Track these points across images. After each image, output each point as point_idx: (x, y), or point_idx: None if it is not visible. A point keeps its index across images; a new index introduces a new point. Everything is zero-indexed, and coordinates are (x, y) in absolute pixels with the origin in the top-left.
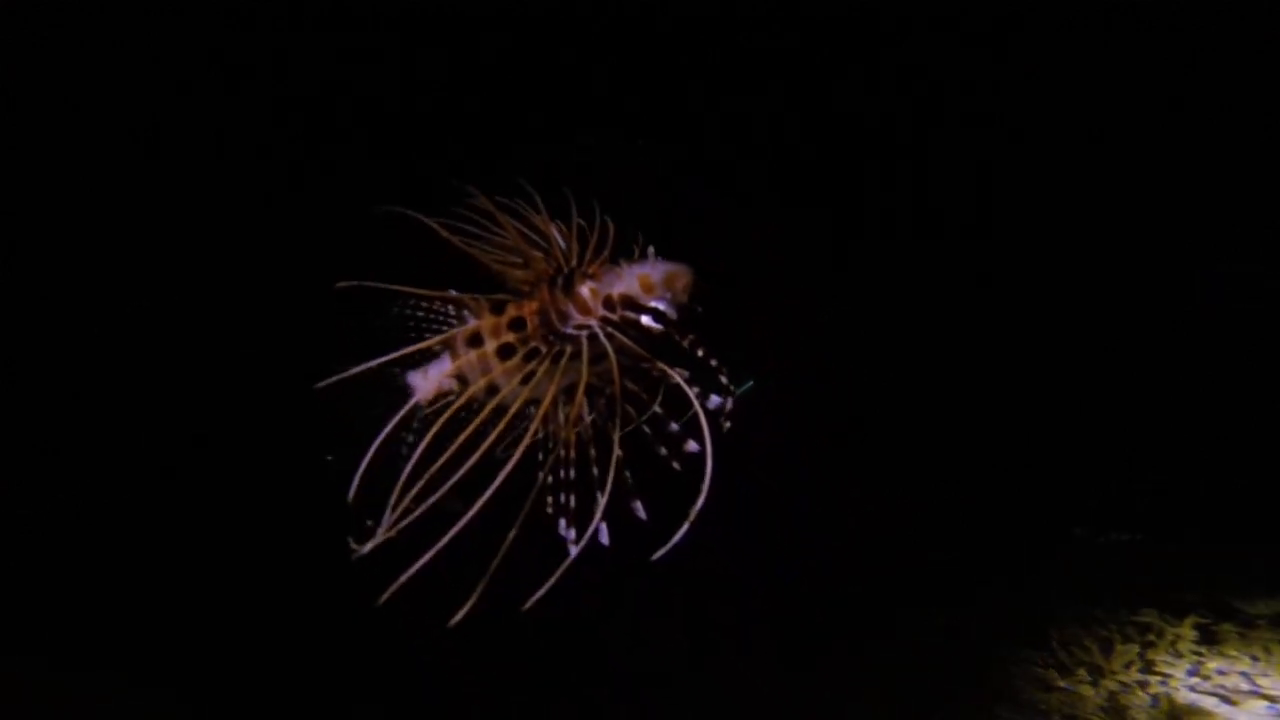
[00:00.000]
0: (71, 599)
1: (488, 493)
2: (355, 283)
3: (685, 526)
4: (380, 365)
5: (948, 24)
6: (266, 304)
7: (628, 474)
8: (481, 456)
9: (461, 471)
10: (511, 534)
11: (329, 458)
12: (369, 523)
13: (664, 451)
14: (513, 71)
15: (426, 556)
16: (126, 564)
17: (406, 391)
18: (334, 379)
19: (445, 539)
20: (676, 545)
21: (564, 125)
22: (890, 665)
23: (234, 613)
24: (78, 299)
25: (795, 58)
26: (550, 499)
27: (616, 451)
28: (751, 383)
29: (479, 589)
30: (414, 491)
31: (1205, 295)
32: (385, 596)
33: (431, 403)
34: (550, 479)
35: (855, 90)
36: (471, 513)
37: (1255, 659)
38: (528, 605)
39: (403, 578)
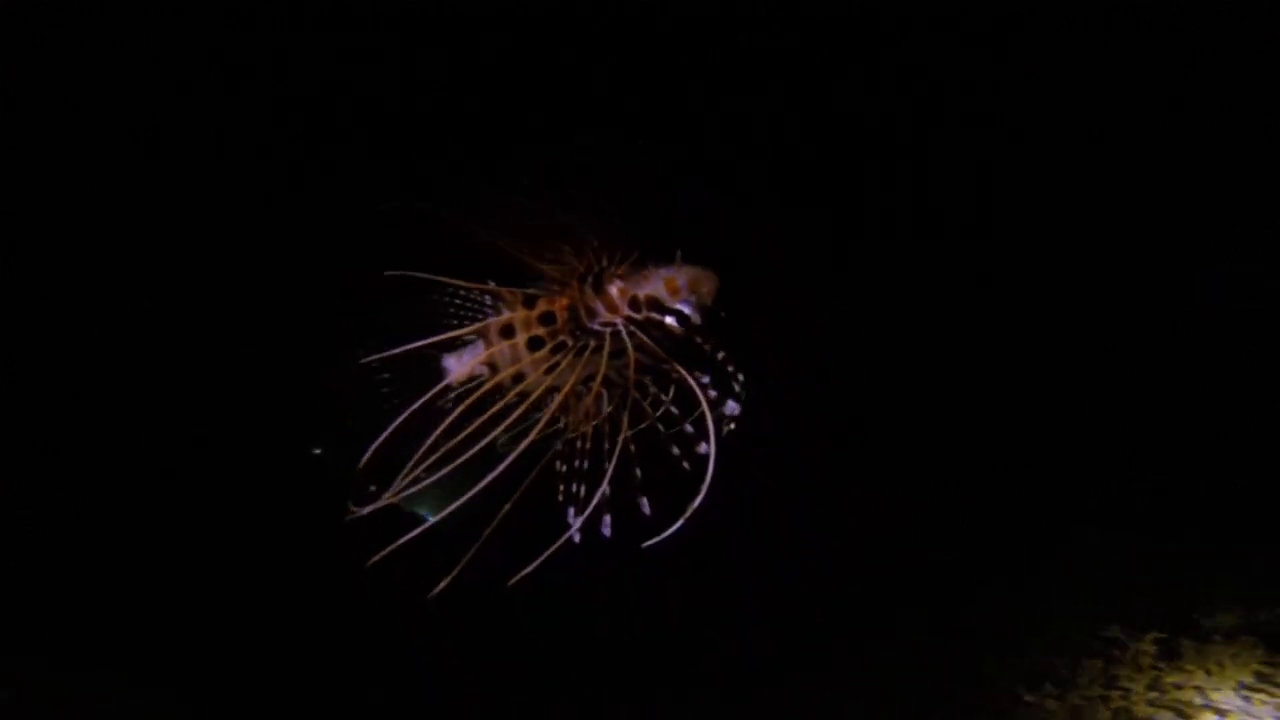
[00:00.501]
0: (71, 599)
1: (486, 480)
2: (404, 272)
3: (679, 522)
4: (422, 347)
5: (948, 24)
6: (265, 305)
7: (637, 471)
8: (488, 445)
9: (470, 454)
10: (504, 509)
11: (316, 451)
12: (372, 488)
13: (676, 451)
14: (513, 71)
15: (419, 530)
16: (126, 564)
17: (441, 373)
18: (379, 356)
19: (438, 517)
20: (675, 542)
21: (564, 125)
22: (890, 665)
23: (234, 614)
24: (78, 299)
25: (795, 58)
26: (562, 487)
27: (619, 445)
28: (744, 395)
29: (461, 564)
30: (426, 465)
31: (1205, 295)
32: (376, 559)
33: (462, 384)
34: (564, 467)
35: (855, 90)
36: (468, 496)
37: (1209, 673)
38: (512, 581)
39: (394, 545)
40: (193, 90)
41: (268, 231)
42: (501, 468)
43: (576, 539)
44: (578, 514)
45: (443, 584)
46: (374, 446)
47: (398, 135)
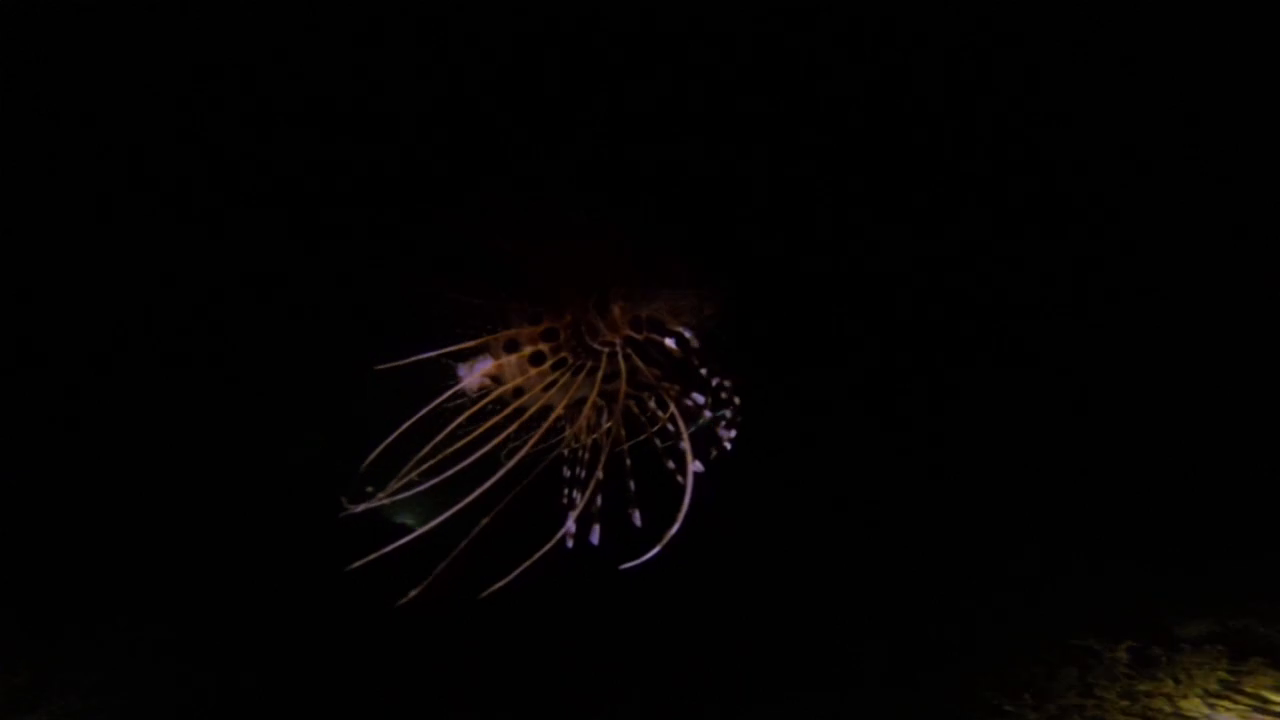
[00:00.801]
0: (70, 598)
1: (476, 493)
2: (421, 282)
3: (657, 549)
4: (434, 357)
5: (947, 24)
6: (264, 305)
7: (631, 483)
8: (489, 453)
9: (465, 465)
10: (483, 521)
11: (307, 451)
12: (369, 489)
13: (671, 465)
14: (512, 72)
15: (406, 539)
16: (126, 563)
17: (454, 381)
18: (396, 363)
19: (425, 528)
20: (667, 556)
21: (564, 127)
22: (892, 665)
23: (234, 614)
24: (77, 299)
25: (794, 57)
26: (566, 493)
27: (604, 458)
28: (738, 419)
29: (435, 572)
30: (423, 470)
31: (1206, 296)
32: (358, 564)
33: (474, 394)
34: (569, 474)
35: (854, 89)
36: (457, 509)
37: (1178, 681)
38: (490, 590)
39: (382, 550)
40: (200, 90)
41: (274, 232)
42: (490, 483)
43: (569, 545)
44: (575, 520)
45: (413, 593)
46: (381, 447)
47: (404, 137)
